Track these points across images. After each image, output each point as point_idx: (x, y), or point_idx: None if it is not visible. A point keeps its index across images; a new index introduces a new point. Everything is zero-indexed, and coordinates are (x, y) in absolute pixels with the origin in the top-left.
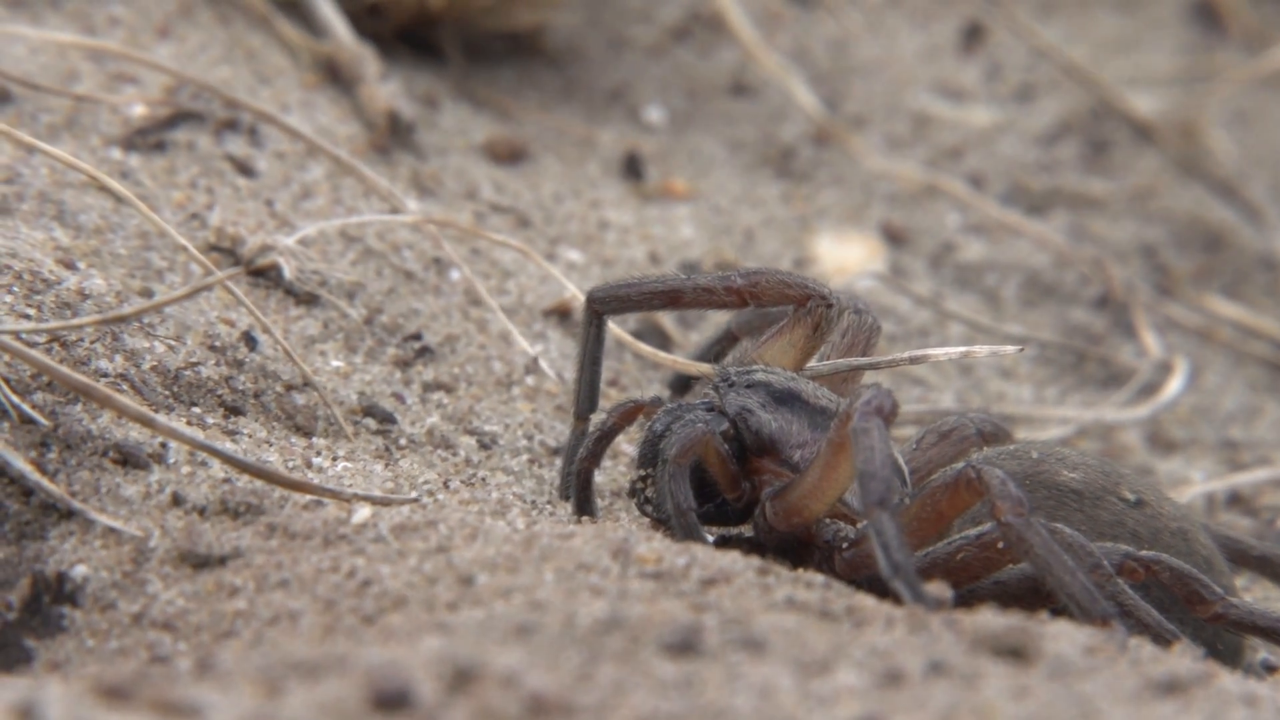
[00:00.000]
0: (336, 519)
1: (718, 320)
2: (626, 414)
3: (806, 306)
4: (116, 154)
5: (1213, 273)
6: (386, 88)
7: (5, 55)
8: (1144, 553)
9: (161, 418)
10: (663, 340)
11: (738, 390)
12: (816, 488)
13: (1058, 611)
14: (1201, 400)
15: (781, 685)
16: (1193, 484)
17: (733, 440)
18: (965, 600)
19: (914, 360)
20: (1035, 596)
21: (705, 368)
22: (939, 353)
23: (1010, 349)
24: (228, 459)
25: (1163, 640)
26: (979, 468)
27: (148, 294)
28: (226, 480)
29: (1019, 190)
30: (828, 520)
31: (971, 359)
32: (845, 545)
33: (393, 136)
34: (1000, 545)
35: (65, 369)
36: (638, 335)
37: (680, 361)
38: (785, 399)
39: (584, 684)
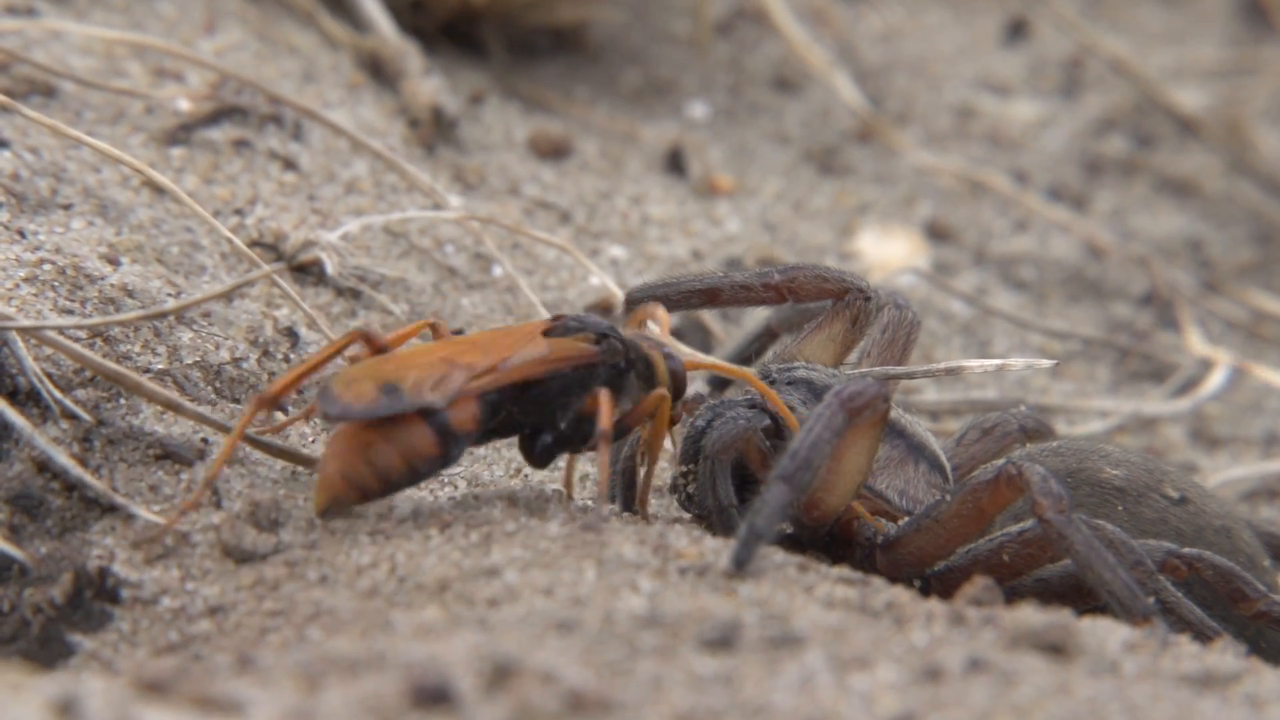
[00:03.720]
0: (377, 514)
1: (760, 315)
2: None
3: (845, 300)
4: (160, 149)
5: (1259, 268)
6: (429, 83)
7: (51, 50)
8: (1186, 550)
9: (189, 403)
10: (705, 336)
11: (779, 387)
12: (825, 480)
13: (1099, 609)
14: (1246, 397)
15: (820, 681)
16: (1220, 470)
17: (774, 437)
18: (1007, 597)
19: (949, 371)
20: (1077, 594)
21: (740, 370)
22: (974, 364)
23: (1045, 362)
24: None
25: (1205, 637)
26: (1020, 464)
27: (191, 290)
28: (268, 476)
29: (1063, 185)
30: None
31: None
32: (886, 543)
33: (436, 132)
34: (1042, 542)
35: (96, 356)
36: (680, 331)
37: (719, 364)
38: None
39: (623, 680)
